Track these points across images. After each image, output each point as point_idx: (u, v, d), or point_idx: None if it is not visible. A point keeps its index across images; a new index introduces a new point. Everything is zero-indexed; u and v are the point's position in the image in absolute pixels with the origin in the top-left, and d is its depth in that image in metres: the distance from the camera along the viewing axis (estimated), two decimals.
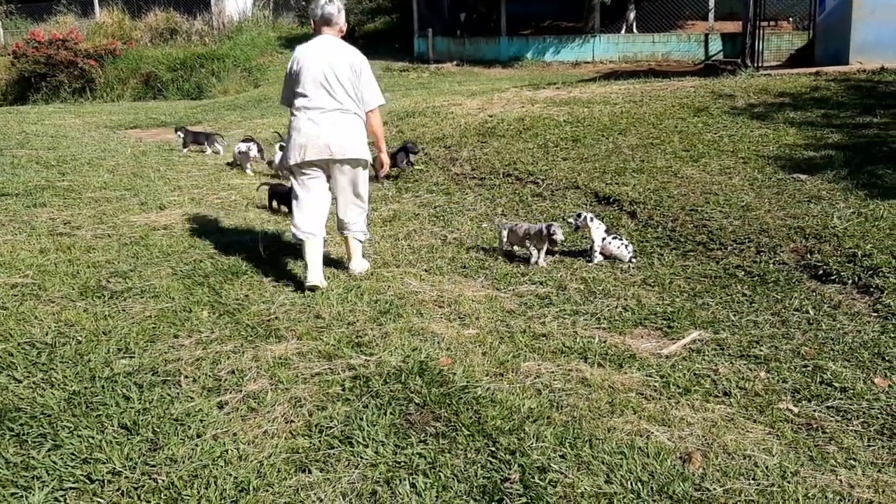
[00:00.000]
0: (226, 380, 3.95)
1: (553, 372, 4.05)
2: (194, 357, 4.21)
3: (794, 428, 3.52)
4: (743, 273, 5.51)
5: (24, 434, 3.40)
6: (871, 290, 4.99)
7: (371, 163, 5.58)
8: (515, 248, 6.14)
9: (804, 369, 4.06)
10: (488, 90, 14.17)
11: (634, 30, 22.14)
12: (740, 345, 4.38)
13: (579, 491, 3.00)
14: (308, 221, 5.30)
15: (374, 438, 3.36)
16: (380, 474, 3.13)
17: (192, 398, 3.76)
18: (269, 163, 9.70)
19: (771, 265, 5.56)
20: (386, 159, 5.74)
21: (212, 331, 4.58)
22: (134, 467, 3.16)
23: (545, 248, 5.90)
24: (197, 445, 3.32)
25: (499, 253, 6.14)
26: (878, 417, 3.58)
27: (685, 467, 3.16)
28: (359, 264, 5.67)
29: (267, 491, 3.03)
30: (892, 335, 4.39)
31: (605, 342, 4.44)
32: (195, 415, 3.59)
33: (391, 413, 3.58)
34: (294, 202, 5.44)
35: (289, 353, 4.25)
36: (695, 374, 4.04)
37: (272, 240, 6.51)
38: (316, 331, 4.56)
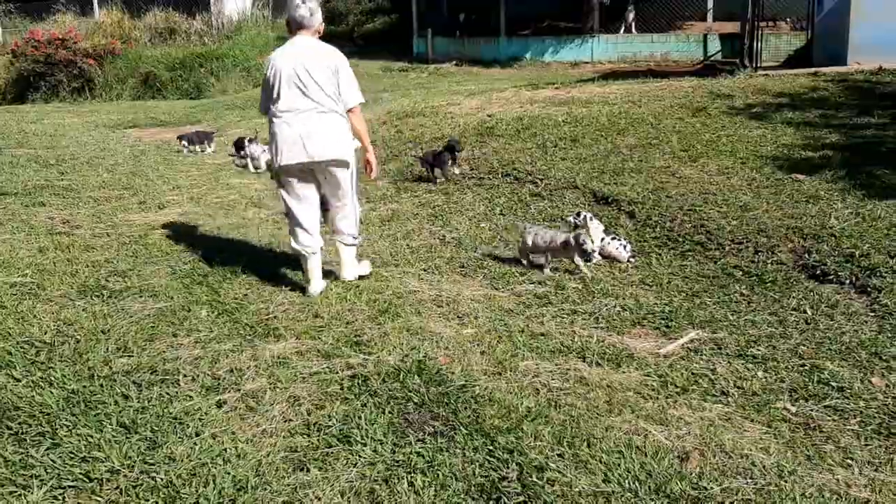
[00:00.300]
0: (224, 379, 3.96)
1: (551, 371, 4.06)
2: (193, 356, 4.22)
3: (791, 427, 3.53)
4: (741, 273, 5.52)
5: (22, 432, 3.41)
6: (869, 289, 5.00)
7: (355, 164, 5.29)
8: (537, 253, 5.82)
9: (802, 369, 4.07)
10: (487, 90, 14.17)
11: (633, 30, 22.14)
12: (738, 344, 4.38)
13: (577, 490, 3.00)
14: (304, 235, 5.14)
15: (372, 437, 3.37)
16: (378, 473, 3.13)
17: (190, 397, 3.77)
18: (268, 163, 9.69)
19: (769, 265, 5.57)
20: (373, 159, 5.37)
21: (210, 330, 4.58)
22: (132, 466, 3.16)
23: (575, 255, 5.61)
24: (195, 444, 3.33)
25: (521, 258, 5.89)
26: (875, 417, 3.59)
27: (683, 466, 3.17)
28: (350, 271, 5.39)
29: (265, 489, 3.04)
30: (890, 335, 4.40)
31: (603, 342, 4.45)
32: (194, 413, 3.60)
33: (389, 412, 3.59)
34: (288, 215, 5.26)
35: (287, 352, 4.26)
36: (692, 373, 4.05)
37: (270, 239, 6.51)
38: (314, 330, 4.57)
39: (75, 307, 4.94)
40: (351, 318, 4.76)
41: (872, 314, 4.73)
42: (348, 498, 2.99)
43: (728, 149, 8.20)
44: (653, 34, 21.63)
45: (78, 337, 4.46)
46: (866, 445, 3.37)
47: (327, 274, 5.40)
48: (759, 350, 4.30)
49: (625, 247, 5.96)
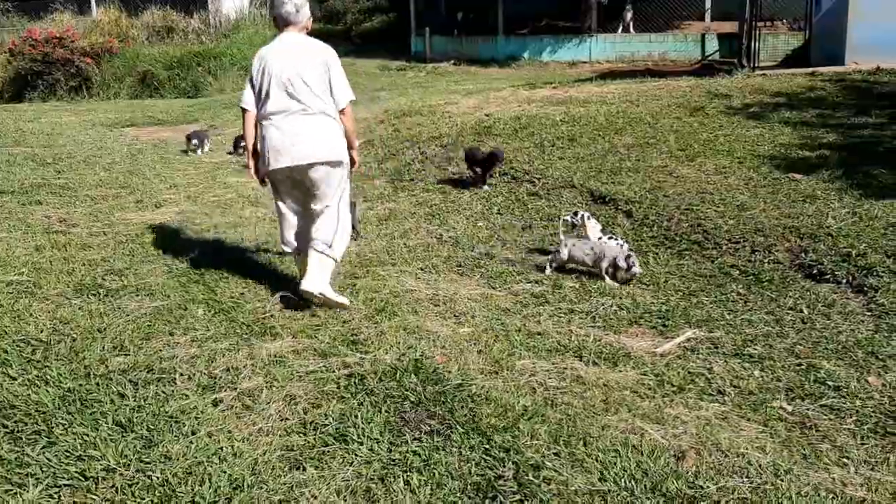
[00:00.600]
0: (221, 377, 3.96)
1: (548, 370, 4.06)
2: (189, 355, 4.22)
3: (787, 426, 3.53)
4: (738, 272, 5.52)
5: (18, 431, 3.40)
6: (866, 289, 5.00)
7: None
8: (571, 264, 5.68)
9: (798, 368, 4.07)
10: (485, 89, 14.17)
11: (631, 30, 22.14)
12: (735, 343, 4.39)
13: (573, 488, 3.00)
14: (293, 238, 5.06)
15: (368, 436, 3.37)
16: (374, 472, 3.13)
17: (186, 396, 3.76)
18: None
19: (766, 264, 5.58)
20: (356, 157, 5.11)
21: (207, 328, 4.58)
22: (128, 464, 3.16)
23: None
24: (191, 443, 3.33)
25: (551, 267, 5.66)
26: (871, 416, 3.59)
27: (679, 465, 3.18)
28: (313, 281, 4.79)
29: (261, 488, 3.03)
30: (886, 334, 4.41)
31: (599, 340, 4.45)
32: (190, 412, 3.59)
33: (386, 411, 3.59)
34: (278, 218, 5.16)
35: (284, 350, 4.26)
36: (689, 372, 4.05)
37: (267, 237, 6.51)
38: (311, 329, 4.57)
39: (71, 306, 4.93)
40: (347, 316, 4.76)
41: (869, 313, 4.73)
42: (344, 497, 2.99)
43: (725, 148, 8.21)
44: (651, 34, 21.64)
45: (74, 335, 4.45)
46: (862, 444, 3.38)
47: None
48: (755, 349, 4.31)
49: (622, 246, 5.94)
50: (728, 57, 18.86)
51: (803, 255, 5.59)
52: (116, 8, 24.94)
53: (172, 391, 3.81)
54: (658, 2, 21.81)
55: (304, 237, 5.01)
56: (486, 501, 2.96)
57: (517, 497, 2.97)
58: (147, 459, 3.20)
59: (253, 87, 4.86)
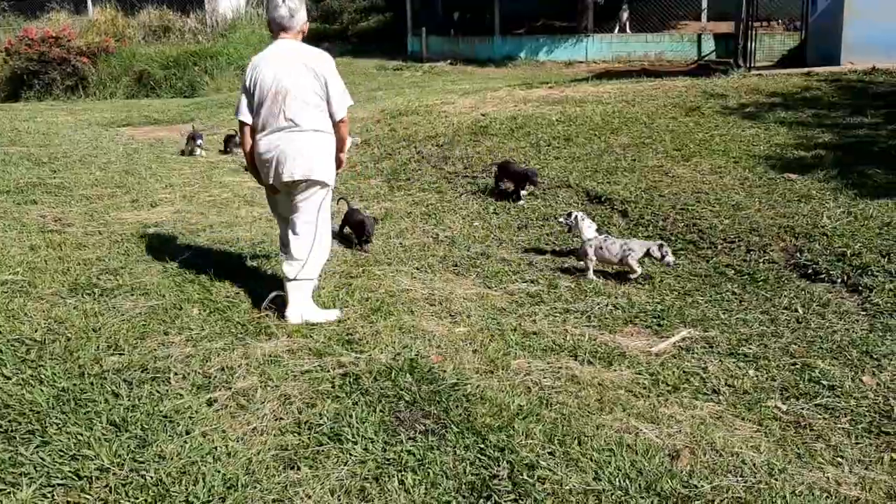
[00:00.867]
0: (215, 377, 3.95)
1: (543, 369, 4.06)
2: (184, 354, 4.21)
3: (782, 425, 3.54)
4: (733, 272, 5.53)
5: (12, 430, 3.39)
6: (860, 288, 5.01)
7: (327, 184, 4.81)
8: (602, 265, 5.66)
9: (793, 367, 4.08)
10: (481, 89, 14.18)
11: (628, 30, 22.17)
12: (729, 343, 4.39)
13: (567, 488, 3.01)
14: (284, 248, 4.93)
15: (363, 435, 3.37)
16: (369, 471, 3.13)
17: (181, 395, 3.76)
18: None
19: (761, 264, 5.58)
20: (343, 158, 4.93)
21: (202, 328, 4.57)
22: (122, 464, 3.16)
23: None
24: (186, 442, 3.32)
25: (586, 271, 5.58)
26: (865, 415, 3.60)
27: (673, 464, 3.18)
28: (295, 311, 4.72)
29: (255, 487, 3.03)
30: (881, 333, 4.41)
31: (595, 340, 4.45)
32: (184, 412, 3.59)
33: (381, 410, 3.59)
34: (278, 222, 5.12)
35: (279, 350, 4.25)
36: (684, 371, 4.06)
37: (262, 237, 6.50)
38: (306, 328, 4.56)
39: (66, 305, 4.92)
40: (343, 316, 4.75)
41: (864, 313, 4.74)
42: (338, 496, 2.99)
43: (721, 148, 8.22)
44: (647, 34, 21.67)
45: (69, 335, 4.44)
46: (857, 444, 3.38)
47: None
48: (750, 349, 4.31)
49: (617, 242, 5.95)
50: (724, 57, 18.88)
51: (798, 254, 5.60)
52: (113, 7, 24.93)
53: (167, 391, 3.80)
54: (654, 2, 21.85)
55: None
56: (481, 501, 2.96)
57: (512, 496, 2.97)
58: (141, 459, 3.20)
59: (248, 96, 4.69)
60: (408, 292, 5.23)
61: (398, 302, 5.03)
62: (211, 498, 2.96)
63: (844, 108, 9.39)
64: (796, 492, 3.00)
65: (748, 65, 14.66)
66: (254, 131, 4.72)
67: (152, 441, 3.32)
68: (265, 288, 5.21)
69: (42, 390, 3.75)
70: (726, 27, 20.28)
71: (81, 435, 3.35)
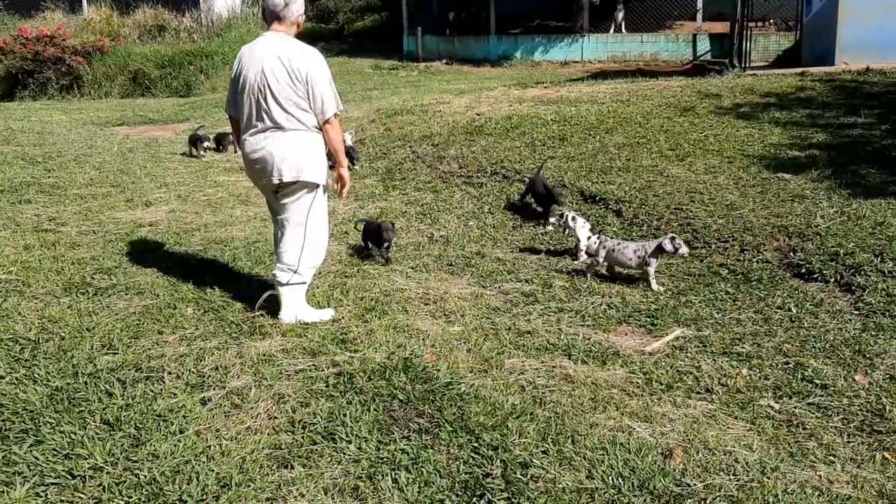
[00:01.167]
0: (209, 376, 3.95)
1: (537, 368, 4.07)
2: (178, 353, 4.21)
3: (774, 424, 3.55)
4: (726, 271, 5.54)
5: (5, 430, 3.39)
6: (853, 288, 5.03)
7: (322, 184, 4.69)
8: (617, 268, 5.62)
9: (786, 366, 4.09)
10: (477, 89, 14.18)
11: (623, 30, 22.20)
12: (723, 342, 4.40)
13: (560, 486, 3.01)
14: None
15: (357, 434, 3.37)
16: (362, 470, 3.14)
17: (175, 394, 3.76)
18: None
19: (754, 263, 5.60)
20: (345, 174, 4.72)
21: (196, 327, 4.57)
22: (116, 463, 3.16)
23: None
24: (179, 441, 3.32)
25: (588, 273, 5.57)
26: (857, 414, 3.61)
27: (666, 463, 3.19)
28: (288, 313, 4.67)
29: (249, 486, 3.03)
30: (873, 333, 4.43)
31: (589, 339, 4.46)
32: (178, 411, 3.59)
33: (375, 409, 3.59)
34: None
35: (273, 349, 4.25)
36: (677, 370, 4.07)
37: (257, 236, 6.50)
38: (300, 327, 4.56)
39: (60, 304, 4.92)
40: (337, 315, 4.76)
41: (856, 312, 4.75)
42: (332, 495, 2.99)
43: (715, 148, 8.24)
44: (642, 34, 21.71)
45: (62, 334, 4.44)
46: (849, 442, 3.40)
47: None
48: (743, 348, 4.32)
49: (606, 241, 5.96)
50: (720, 57, 18.92)
51: (792, 254, 5.61)
52: (108, 6, 24.91)
53: (161, 390, 3.80)
54: (650, 2, 21.87)
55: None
56: (474, 499, 2.96)
57: (505, 495, 2.97)
58: (134, 458, 3.20)
59: (234, 88, 4.60)
60: (402, 291, 5.24)
61: (393, 301, 5.03)
62: (204, 497, 2.96)
63: (838, 108, 9.41)
64: (788, 490, 3.01)
65: (743, 65, 14.70)
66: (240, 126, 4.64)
67: (146, 440, 3.33)
68: (259, 287, 5.21)
69: (36, 389, 3.75)
70: (721, 27, 20.32)
71: (75, 434, 3.35)
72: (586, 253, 5.93)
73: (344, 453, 3.25)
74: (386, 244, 5.92)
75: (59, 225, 6.90)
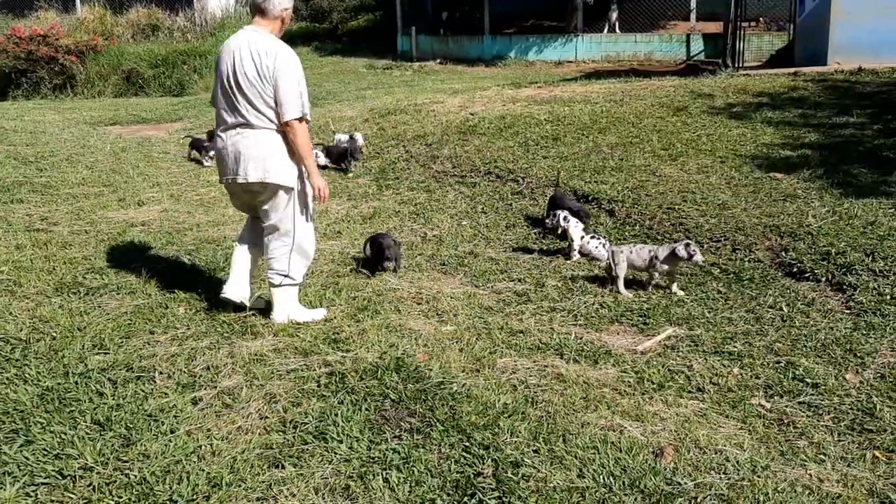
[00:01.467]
0: (201, 376, 3.95)
1: (529, 368, 4.07)
2: (169, 353, 4.20)
3: (765, 423, 3.56)
4: (718, 271, 5.55)
5: None
6: (845, 287, 5.04)
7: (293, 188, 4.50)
8: (634, 274, 5.45)
9: (777, 365, 4.10)
10: (470, 88, 14.18)
11: (617, 30, 22.21)
12: (714, 341, 4.41)
13: (552, 485, 3.01)
14: (242, 232, 4.86)
15: (348, 434, 3.37)
16: (353, 469, 3.13)
17: (166, 394, 3.75)
18: None
19: (746, 263, 5.61)
20: (319, 182, 4.46)
21: (188, 327, 4.57)
22: (106, 463, 3.15)
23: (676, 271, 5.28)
24: (170, 441, 3.32)
25: (609, 281, 5.36)
26: (848, 413, 3.62)
27: (657, 462, 3.19)
28: (281, 313, 4.64)
29: (240, 486, 3.03)
30: (864, 332, 4.44)
31: (581, 338, 4.47)
32: (169, 411, 3.59)
33: (366, 409, 3.59)
34: None
35: (265, 349, 4.25)
36: (669, 370, 4.07)
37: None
38: (292, 327, 4.56)
39: (51, 304, 4.90)
40: (329, 315, 4.75)
41: (848, 311, 4.77)
42: (323, 494, 2.99)
43: (708, 148, 8.25)
44: (636, 34, 21.72)
45: (54, 334, 4.43)
46: (839, 441, 3.40)
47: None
48: (735, 347, 4.33)
49: (604, 245, 5.97)
50: (713, 57, 18.95)
51: (783, 253, 5.63)
52: (101, 6, 24.86)
53: (152, 389, 3.80)
54: (644, 2, 21.89)
55: (250, 236, 4.76)
56: (465, 499, 2.96)
57: (496, 494, 2.97)
58: (125, 458, 3.19)
59: (216, 81, 4.48)
60: (395, 291, 5.23)
61: (385, 301, 5.03)
62: (195, 497, 2.96)
63: (831, 107, 9.44)
64: (779, 489, 3.02)
65: (736, 65, 14.73)
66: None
67: (136, 440, 3.32)
68: (252, 287, 5.20)
69: (26, 389, 3.74)
70: (715, 27, 20.35)
71: (65, 434, 3.35)
72: (580, 253, 5.95)
73: (335, 453, 3.24)
74: (382, 266, 5.60)
75: (51, 224, 6.88)
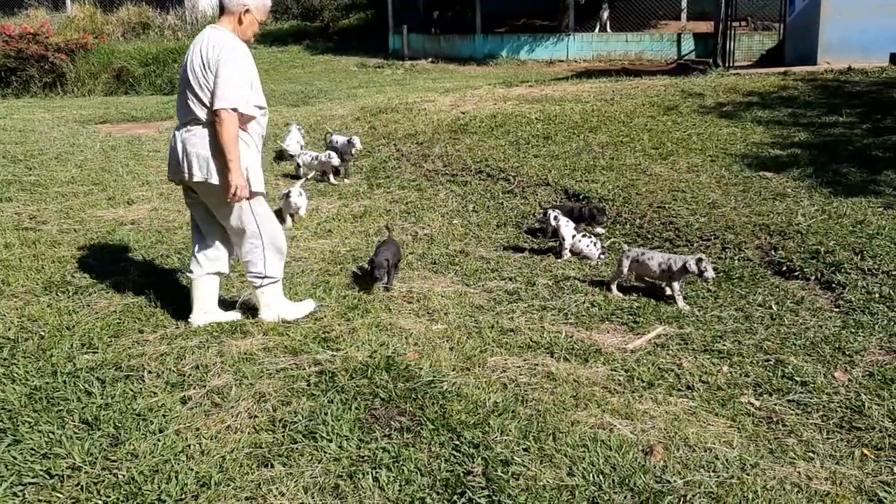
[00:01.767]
0: (190, 375, 3.93)
1: (519, 366, 4.07)
2: (158, 352, 4.19)
3: (754, 421, 3.57)
4: None
5: None
6: (834, 286, 5.06)
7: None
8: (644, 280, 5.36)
9: (766, 364, 4.11)
10: (462, 87, 14.19)
11: (608, 29, 22.25)
12: (704, 339, 4.42)
13: (541, 483, 3.02)
14: (193, 259, 4.61)
15: (338, 433, 3.36)
16: (343, 468, 3.13)
17: (155, 393, 3.74)
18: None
19: (736, 261, 5.63)
20: (236, 181, 4.15)
21: (177, 326, 4.55)
22: (94, 462, 3.14)
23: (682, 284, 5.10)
24: (159, 440, 3.31)
25: (611, 282, 5.31)
26: (837, 411, 3.63)
27: (647, 460, 3.20)
28: (269, 312, 4.60)
29: (229, 485, 3.02)
30: (853, 330, 4.46)
31: (571, 337, 4.47)
32: (158, 410, 3.57)
33: (356, 408, 3.58)
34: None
35: (254, 348, 4.23)
36: (659, 368, 4.08)
37: None
38: (282, 326, 4.54)
39: (40, 303, 4.88)
40: (319, 314, 4.74)
41: (837, 310, 4.79)
42: (312, 493, 2.98)
43: (698, 147, 8.27)
44: (627, 33, 21.76)
45: (42, 333, 4.41)
46: (828, 439, 3.42)
47: (296, 272, 5.35)
48: (724, 345, 4.34)
49: (595, 244, 5.98)
50: (704, 56, 19.00)
51: (773, 252, 5.64)
52: (91, 4, 24.74)
53: (140, 389, 3.78)
54: (635, 1, 21.93)
55: (198, 258, 4.57)
56: (455, 497, 2.96)
57: (485, 493, 2.97)
58: (113, 457, 3.18)
59: None
60: (386, 290, 5.22)
61: (375, 300, 5.02)
62: (183, 496, 2.95)
63: (820, 107, 9.48)
64: (768, 486, 3.03)
65: (727, 64, 14.78)
66: None
67: (125, 439, 3.31)
68: (241, 285, 5.20)
69: (14, 389, 3.72)
70: (706, 27, 20.42)
71: (53, 433, 3.33)
72: (571, 252, 5.95)
73: (325, 452, 3.24)
74: (373, 278, 5.22)
75: (40, 223, 6.85)
